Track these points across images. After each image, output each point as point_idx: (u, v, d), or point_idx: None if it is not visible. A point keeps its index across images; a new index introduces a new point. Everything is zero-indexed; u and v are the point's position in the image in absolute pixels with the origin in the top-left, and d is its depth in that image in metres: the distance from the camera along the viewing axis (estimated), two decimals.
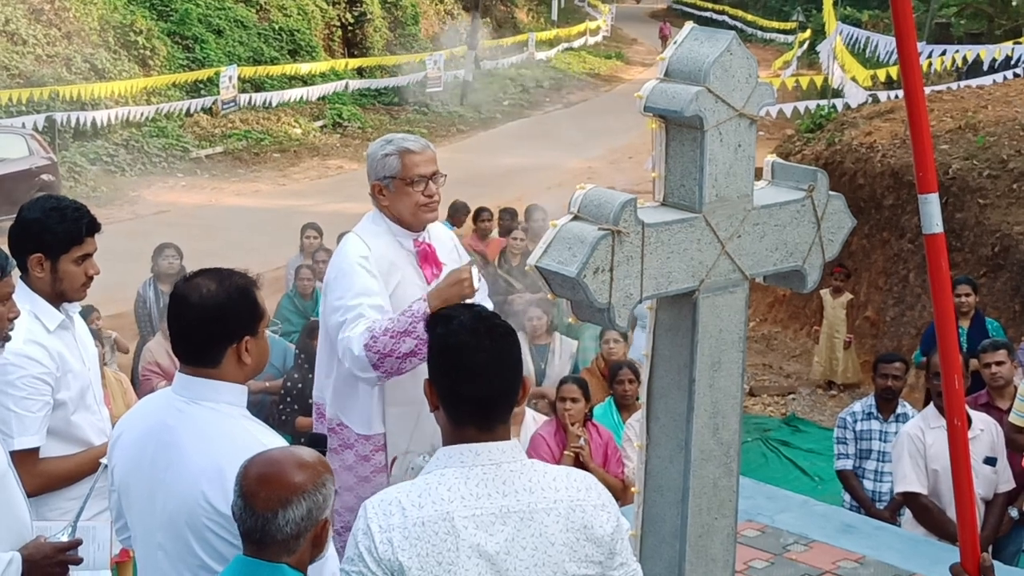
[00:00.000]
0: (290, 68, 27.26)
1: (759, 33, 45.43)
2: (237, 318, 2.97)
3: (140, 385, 8.12)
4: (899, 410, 7.00)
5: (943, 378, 3.01)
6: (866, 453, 6.97)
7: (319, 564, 2.70)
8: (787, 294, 13.27)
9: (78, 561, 3.34)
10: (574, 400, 6.63)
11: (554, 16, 47.32)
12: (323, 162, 24.48)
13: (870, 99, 18.39)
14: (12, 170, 16.89)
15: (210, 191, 21.36)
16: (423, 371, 2.77)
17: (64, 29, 22.83)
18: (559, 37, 43.03)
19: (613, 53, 44.76)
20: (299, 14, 29.35)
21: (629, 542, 2.72)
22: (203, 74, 24.94)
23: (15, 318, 3.45)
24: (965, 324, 8.82)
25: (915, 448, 5.95)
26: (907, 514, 6.20)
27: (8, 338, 3.46)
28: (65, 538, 3.35)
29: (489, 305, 4.17)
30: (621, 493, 6.21)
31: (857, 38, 24.05)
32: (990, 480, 5.98)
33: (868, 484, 6.94)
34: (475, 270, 4.08)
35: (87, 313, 8.32)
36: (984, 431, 6.00)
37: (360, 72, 30.31)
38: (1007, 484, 6.05)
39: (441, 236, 4.46)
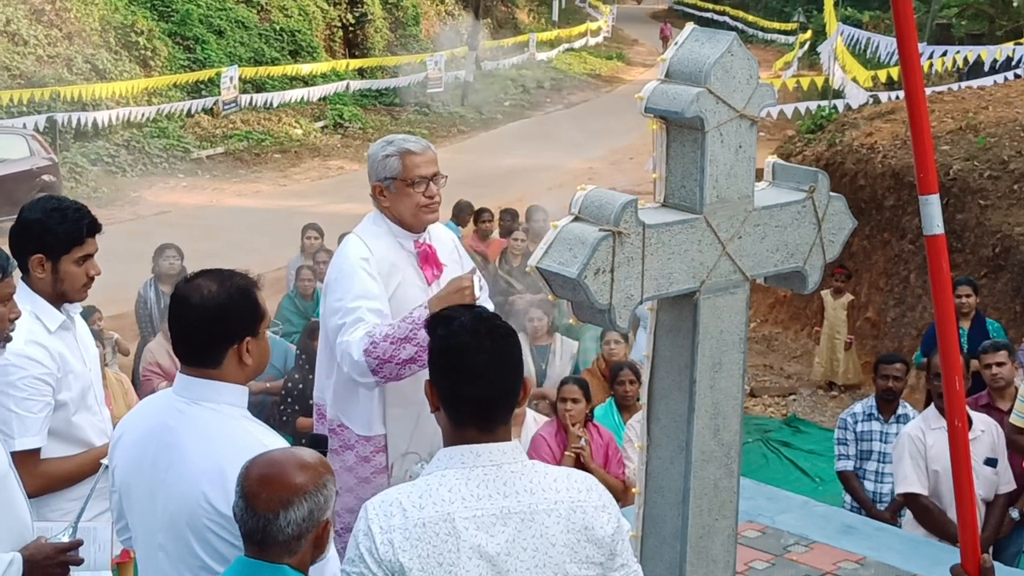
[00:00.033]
0: (291, 69, 27.27)
1: (760, 34, 45.40)
2: (238, 319, 2.98)
3: (141, 386, 8.12)
4: (900, 411, 7.00)
5: (944, 379, 3.01)
6: (867, 454, 6.97)
7: (320, 565, 2.71)
8: (788, 295, 13.27)
9: (79, 562, 3.34)
10: (575, 401, 6.63)
11: (555, 17, 47.31)
12: (324, 163, 24.47)
13: (871, 100, 18.39)
14: (13, 171, 16.90)
15: (211, 192, 21.37)
16: (424, 373, 2.77)
17: (65, 30, 22.83)
18: (560, 38, 43.03)
19: (614, 54, 44.75)
20: (300, 15, 29.35)
21: (630, 543, 2.72)
22: (204, 75, 24.94)
23: (16, 319, 3.45)
24: (966, 325, 8.83)
25: (916, 449, 5.95)
26: (908, 515, 6.20)
27: (9, 339, 3.46)
28: (66, 539, 3.35)
29: (490, 306, 4.17)
30: (622, 494, 6.22)
31: (858, 39, 24.05)
32: (991, 481, 5.98)
33: (869, 485, 6.94)
34: (477, 278, 4.08)
35: (89, 314, 8.33)
36: (985, 432, 6.00)
37: (361, 73, 30.31)
38: (1008, 485, 6.05)
39: (442, 237, 4.46)
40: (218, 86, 24.73)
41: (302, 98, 26.83)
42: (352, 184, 19.21)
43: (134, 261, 11.02)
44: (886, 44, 21.86)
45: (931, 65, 18.78)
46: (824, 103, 19.10)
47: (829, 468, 8.11)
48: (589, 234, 2.97)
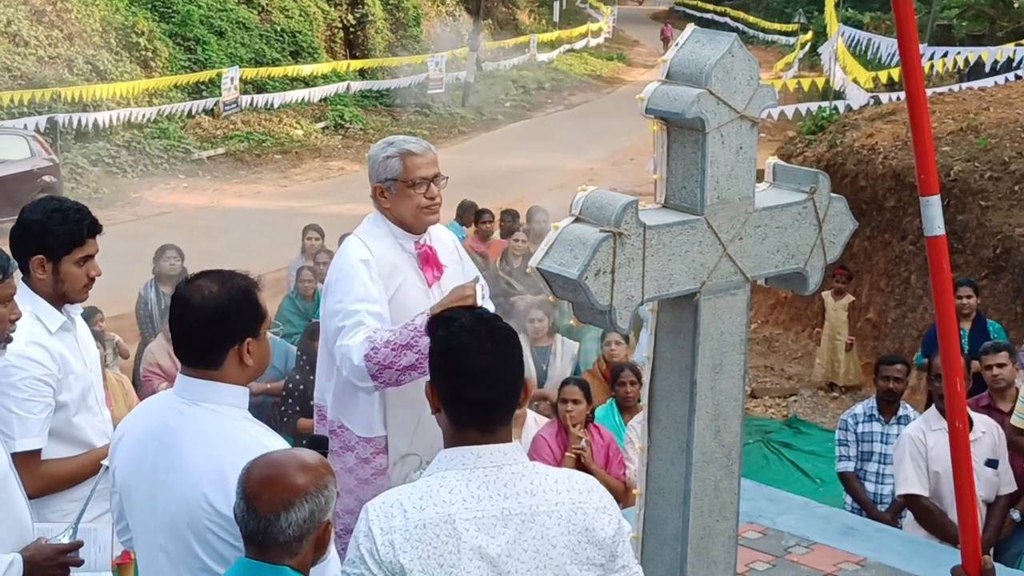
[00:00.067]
0: (292, 70, 27.29)
1: (761, 35, 45.39)
2: (239, 320, 2.97)
3: (141, 386, 8.13)
4: (900, 412, 7.00)
5: (944, 380, 3.01)
6: (867, 455, 6.97)
7: (321, 566, 2.70)
8: (788, 296, 13.28)
9: (79, 563, 3.34)
10: (575, 402, 6.63)
11: (556, 18, 47.32)
12: (325, 163, 24.48)
13: (872, 101, 18.39)
14: (14, 171, 16.91)
15: (212, 192, 21.37)
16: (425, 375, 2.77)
17: (66, 30, 22.85)
18: (561, 39, 43.04)
19: (615, 55, 44.76)
20: (301, 16, 29.36)
21: (630, 544, 2.72)
22: (205, 75, 24.95)
23: (17, 320, 3.45)
24: (967, 326, 8.83)
25: (916, 450, 5.95)
26: (908, 516, 6.20)
27: (10, 339, 3.46)
28: (66, 540, 3.35)
29: (491, 307, 4.17)
30: (623, 495, 6.21)
31: (859, 40, 24.04)
32: (992, 482, 5.97)
33: (869, 486, 6.93)
34: (480, 286, 4.08)
35: (91, 315, 8.33)
36: (986, 433, 6.00)
37: (362, 73, 30.32)
38: (1009, 486, 6.05)
39: (442, 238, 4.46)
40: (219, 87, 24.75)
41: (303, 99, 26.85)
42: (353, 185, 19.21)
43: (134, 262, 11.02)
44: (887, 45, 21.85)
45: (932, 66, 18.77)
46: (825, 104, 19.10)
47: (830, 469, 8.11)
48: (590, 235, 2.97)
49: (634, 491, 3.51)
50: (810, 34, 35.76)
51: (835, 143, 14.09)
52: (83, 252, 3.83)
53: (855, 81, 21.26)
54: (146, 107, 22.95)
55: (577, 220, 3.05)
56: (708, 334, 3.24)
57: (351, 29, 31.49)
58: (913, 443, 5.97)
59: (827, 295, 11.44)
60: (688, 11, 51.67)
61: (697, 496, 3.29)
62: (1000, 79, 17.45)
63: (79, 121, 20.80)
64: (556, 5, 47.83)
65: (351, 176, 21.97)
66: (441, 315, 2.72)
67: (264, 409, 8.14)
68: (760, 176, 3.42)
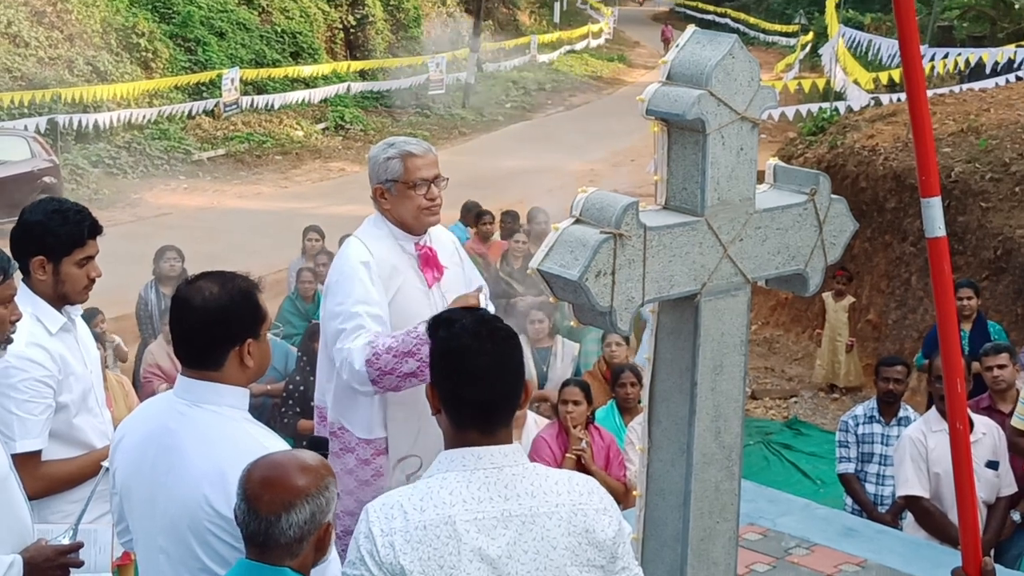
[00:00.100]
0: (292, 70, 27.29)
1: (761, 36, 45.36)
2: (239, 321, 2.97)
3: (141, 388, 8.13)
4: (901, 413, 7.00)
5: (945, 381, 3.01)
6: (868, 456, 6.96)
7: (321, 567, 2.70)
8: (789, 297, 13.28)
9: (79, 564, 3.34)
10: (576, 403, 6.63)
11: (556, 18, 47.33)
12: (325, 164, 24.48)
13: (872, 102, 18.39)
14: (14, 172, 16.91)
15: (212, 193, 21.38)
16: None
17: (66, 31, 22.85)
18: (561, 40, 43.03)
19: (615, 56, 44.75)
20: (301, 16, 29.37)
21: (631, 546, 2.71)
22: (205, 76, 24.95)
23: (17, 321, 3.45)
24: (967, 327, 8.82)
25: (917, 452, 5.95)
26: (909, 518, 6.19)
27: (10, 340, 3.46)
28: (66, 541, 3.35)
29: (491, 308, 4.17)
30: (623, 496, 6.21)
31: (859, 41, 24.02)
32: (992, 484, 5.97)
33: (870, 488, 6.93)
34: (483, 295, 4.08)
35: (92, 316, 8.33)
36: (986, 435, 5.99)
37: (362, 74, 30.32)
38: (1009, 488, 6.05)
39: (442, 239, 4.46)
40: (219, 88, 24.74)
41: (303, 100, 26.86)
42: (353, 186, 19.22)
43: (135, 263, 11.02)
44: (888, 46, 21.85)
45: (932, 67, 18.77)
46: (825, 105, 19.09)
47: (830, 470, 8.11)
48: (590, 236, 2.97)
49: (634, 492, 3.51)
50: (811, 35, 35.74)
51: (836, 144, 14.09)
52: (83, 253, 3.83)
53: (856, 82, 21.25)
54: (146, 108, 22.94)
55: (577, 221, 3.05)
56: (709, 335, 3.24)
57: (351, 30, 31.49)
58: (913, 444, 5.97)
59: (828, 296, 11.44)
60: (689, 12, 51.67)
61: (697, 497, 3.29)
62: (1001, 80, 17.45)
63: (79, 122, 20.80)
64: (557, 6, 47.84)
65: (351, 177, 21.97)
66: (441, 316, 2.71)
67: (264, 410, 8.14)
68: (761, 177, 3.42)
